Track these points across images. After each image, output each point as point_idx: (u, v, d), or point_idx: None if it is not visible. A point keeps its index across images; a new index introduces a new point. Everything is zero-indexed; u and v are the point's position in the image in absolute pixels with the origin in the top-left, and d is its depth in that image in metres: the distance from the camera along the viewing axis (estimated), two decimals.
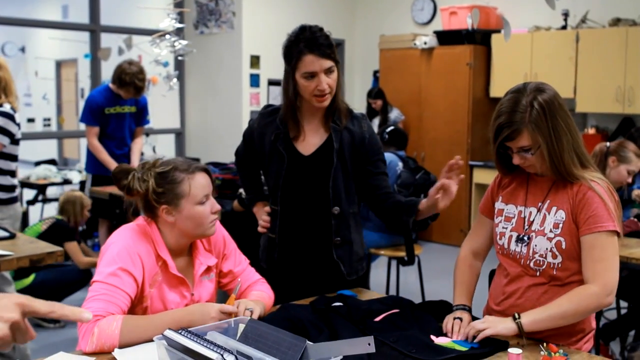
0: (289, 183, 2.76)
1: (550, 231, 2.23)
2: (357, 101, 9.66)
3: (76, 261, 5.22)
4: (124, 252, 2.19)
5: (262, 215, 2.92)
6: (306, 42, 2.59)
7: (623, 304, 4.83)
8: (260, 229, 2.93)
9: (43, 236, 4.95)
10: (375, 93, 8.14)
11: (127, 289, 2.15)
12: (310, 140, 2.76)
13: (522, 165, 2.27)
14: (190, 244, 2.38)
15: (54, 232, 5.17)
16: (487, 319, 2.19)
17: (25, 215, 6.82)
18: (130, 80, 5.66)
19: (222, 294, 2.50)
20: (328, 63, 2.61)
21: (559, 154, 2.18)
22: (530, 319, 2.14)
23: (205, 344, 1.69)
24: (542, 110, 2.16)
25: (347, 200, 2.79)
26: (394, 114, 8.07)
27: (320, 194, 2.75)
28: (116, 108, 5.86)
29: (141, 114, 6.13)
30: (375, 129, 7.52)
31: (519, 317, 2.13)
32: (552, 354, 2.03)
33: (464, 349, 2.11)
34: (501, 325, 2.14)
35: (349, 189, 2.79)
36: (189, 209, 2.26)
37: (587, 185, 2.19)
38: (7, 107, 4.10)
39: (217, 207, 2.32)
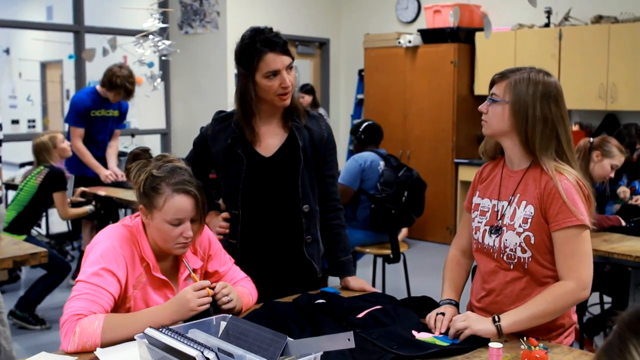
0: (250, 186, 2.73)
1: (520, 226, 2.24)
2: (342, 100, 9.69)
3: (61, 211, 5.12)
4: (108, 252, 2.19)
5: (218, 222, 2.87)
6: (263, 42, 2.58)
7: (607, 298, 4.87)
8: (216, 237, 2.85)
9: (40, 191, 5.05)
10: (307, 89, 7.92)
11: (110, 289, 2.15)
12: (270, 142, 2.74)
13: (482, 116, 2.30)
14: None
15: (49, 183, 5.13)
16: (468, 316, 2.20)
17: None
18: (121, 83, 5.68)
19: None
20: (288, 60, 2.62)
21: (537, 130, 2.20)
22: (510, 321, 2.15)
23: (186, 342, 1.70)
24: (535, 82, 2.20)
25: (313, 198, 2.79)
26: (322, 112, 7.91)
27: (288, 194, 2.74)
28: (101, 111, 5.88)
29: (122, 118, 6.20)
30: None
31: (499, 320, 2.14)
32: (533, 348, 2.05)
33: (445, 344, 2.13)
34: (480, 326, 2.14)
35: (313, 187, 2.79)
36: (159, 222, 2.23)
37: (554, 179, 2.19)
38: None
39: (189, 234, 2.24)
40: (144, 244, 2.27)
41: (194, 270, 2.38)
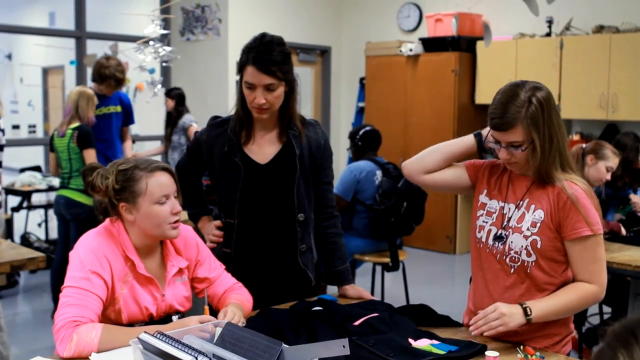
0: (246, 194, 2.70)
1: (528, 229, 2.25)
2: (343, 108, 9.70)
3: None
4: (90, 254, 2.20)
5: (212, 229, 2.86)
6: (254, 53, 2.56)
7: (606, 309, 4.86)
8: (209, 245, 2.82)
9: (81, 151, 5.18)
10: (172, 94, 7.35)
11: (98, 292, 2.16)
12: (265, 149, 2.72)
13: (506, 161, 2.27)
14: (162, 246, 2.38)
15: (81, 142, 5.21)
16: (500, 312, 2.15)
17: (9, 222, 6.78)
18: (111, 73, 5.65)
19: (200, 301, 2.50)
20: (267, 80, 2.55)
21: (547, 153, 2.20)
22: (541, 312, 2.17)
23: (180, 347, 1.69)
24: (541, 106, 2.17)
25: (309, 206, 2.77)
26: (186, 118, 7.31)
27: (283, 202, 2.71)
28: (101, 109, 5.84)
29: (127, 114, 6.11)
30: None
31: (531, 314, 2.15)
32: (529, 356, 2.04)
33: (441, 352, 2.12)
34: (514, 323, 2.14)
35: (310, 195, 2.77)
36: (147, 208, 2.25)
37: (567, 189, 2.20)
38: None
39: (178, 208, 2.30)
40: (127, 242, 2.28)
41: (180, 270, 2.39)
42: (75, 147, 5.17)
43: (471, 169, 2.48)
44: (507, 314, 2.15)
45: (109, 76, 5.67)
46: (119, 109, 5.98)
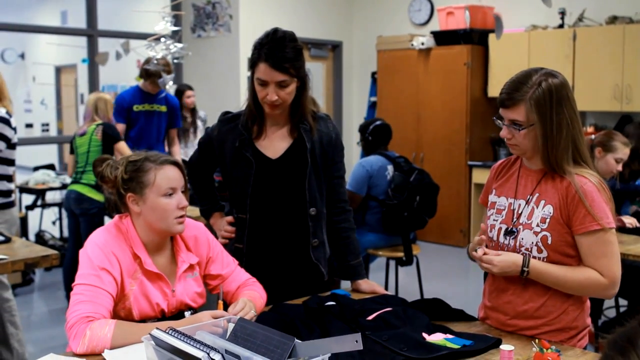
0: (258, 189, 2.70)
1: (537, 225, 2.22)
2: (355, 103, 9.68)
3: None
4: (98, 252, 2.20)
5: (224, 225, 2.85)
6: (266, 50, 2.55)
7: (622, 302, 4.82)
8: (221, 240, 2.81)
9: (104, 145, 5.35)
10: (189, 87, 7.33)
11: (108, 289, 2.16)
12: (277, 144, 2.72)
13: (507, 141, 2.26)
14: (172, 242, 2.38)
15: (108, 137, 5.40)
16: (501, 263, 2.20)
17: (24, 221, 6.81)
18: (156, 70, 5.72)
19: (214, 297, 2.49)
20: (280, 76, 2.55)
21: (556, 142, 2.17)
22: (536, 272, 2.19)
23: (192, 343, 1.69)
24: (549, 92, 2.15)
25: (321, 201, 2.76)
26: (202, 114, 7.47)
27: (295, 197, 2.71)
28: (145, 106, 5.90)
29: (173, 115, 6.16)
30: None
31: (528, 270, 2.18)
32: (545, 350, 2.02)
33: (456, 346, 2.10)
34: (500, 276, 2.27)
35: (321, 189, 2.76)
36: (153, 200, 2.25)
37: (577, 183, 2.17)
38: (2, 112, 4.10)
39: (184, 203, 2.30)
40: (135, 239, 2.28)
41: (191, 266, 2.39)
42: (97, 140, 5.32)
43: (486, 201, 2.47)
44: (505, 267, 2.21)
45: (154, 74, 5.75)
46: (163, 109, 6.03)
